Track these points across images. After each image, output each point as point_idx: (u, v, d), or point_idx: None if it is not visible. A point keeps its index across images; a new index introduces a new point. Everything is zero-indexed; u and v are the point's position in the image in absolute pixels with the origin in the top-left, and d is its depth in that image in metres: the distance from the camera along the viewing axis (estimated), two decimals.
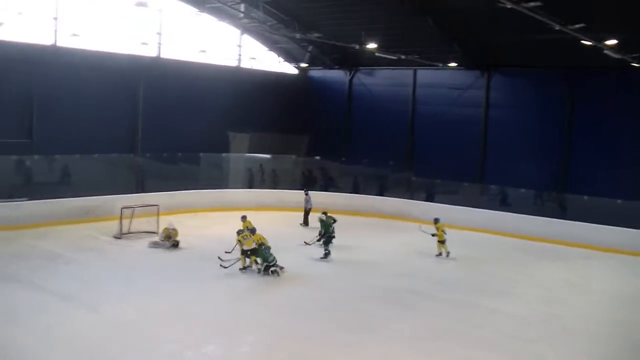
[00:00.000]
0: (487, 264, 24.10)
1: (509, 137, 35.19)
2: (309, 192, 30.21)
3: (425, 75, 38.91)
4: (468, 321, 17.38)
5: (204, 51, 36.73)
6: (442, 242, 24.38)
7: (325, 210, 24.63)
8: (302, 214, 29.58)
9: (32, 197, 26.14)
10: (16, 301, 16.74)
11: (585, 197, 28.71)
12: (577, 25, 22.66)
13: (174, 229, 23.79)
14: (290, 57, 42.90)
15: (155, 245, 23.42)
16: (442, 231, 24.44)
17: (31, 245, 22.35)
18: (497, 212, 30.05)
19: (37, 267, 19.80)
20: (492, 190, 32.61)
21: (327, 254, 23.12)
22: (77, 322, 15.70)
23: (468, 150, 36.18)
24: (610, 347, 16.22)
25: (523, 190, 30.43)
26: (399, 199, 32.53)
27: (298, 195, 30.91)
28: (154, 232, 24.76)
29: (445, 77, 38.04)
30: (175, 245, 23.53)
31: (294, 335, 15.69)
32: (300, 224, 29.31)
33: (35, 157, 28.46)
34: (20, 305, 16.39)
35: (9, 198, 25.81)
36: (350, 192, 33.96)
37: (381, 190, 34.01)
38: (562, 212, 29.46)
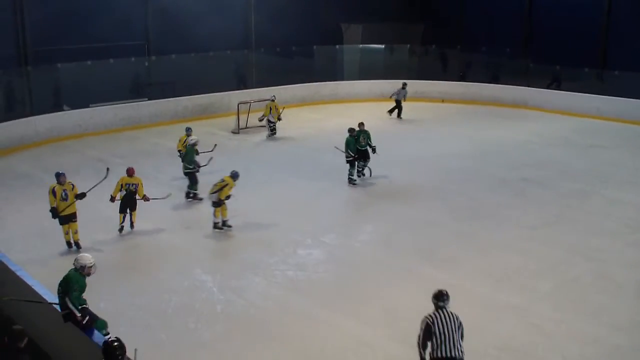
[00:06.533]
0: (611, 153, 22.80)
1: (636, 16, 32.59)
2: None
3: None
4: (586, 209, 16.89)
5: None
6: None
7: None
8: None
9: (151, 97, 26.85)
10: None
11: None
12: None
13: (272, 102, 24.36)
14: None
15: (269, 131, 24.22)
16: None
17: (154, 143, 23.06)
18: (621, 99, 27.86)
19: (161, 164, 20.39)
20: (615, 76, 30.37)
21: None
22: (203, 214, 16.24)
23: (588, 34, 33.78)
24: None
25: None
26: (516, 86, 31.12)
27: (415, 84, 30.33)
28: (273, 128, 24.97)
29: None
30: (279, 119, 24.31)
31: (409, 224, 15.77)
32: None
33: (153, 58, 28.97)
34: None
35: (129, 99, 26.62)
36: (466, 81, 32.87)
37: (497, 78, 32.67)
38: None
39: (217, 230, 15.03)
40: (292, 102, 28.84)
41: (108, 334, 8.72)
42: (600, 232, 15.24)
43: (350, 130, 18.51)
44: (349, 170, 18.57)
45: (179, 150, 18.77)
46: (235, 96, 26.97)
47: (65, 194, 13.54)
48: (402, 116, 27.77)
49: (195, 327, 10.90)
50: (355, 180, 18.63)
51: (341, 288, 12.44)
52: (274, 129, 24.48)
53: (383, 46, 34.59)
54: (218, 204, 14.92)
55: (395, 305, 11.41)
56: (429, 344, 8.09)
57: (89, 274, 9.01)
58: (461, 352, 8.00)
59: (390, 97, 28.10)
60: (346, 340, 10.47)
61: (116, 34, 27.85)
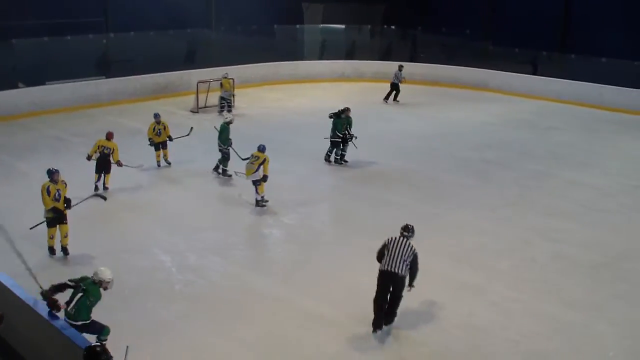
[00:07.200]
0: (568, 135, 23.14)
1: (595, 1, 32.81)
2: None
3: None
4: (544, 190, 17.22)
5: None
6: None
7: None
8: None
9: (109, 75, 26.44)
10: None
11: None
12: None
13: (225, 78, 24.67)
14: None
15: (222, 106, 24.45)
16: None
17: (113, 122, 22.66)
18: (579, 82, 28.21)
19: (122, 142, 20.00)
20: (573, 60, 30.63)
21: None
22: (163, 194, 16.10)
23: (549, 17, 33.94)
24: None
25: (604, 59, 28.43)
26: (476, 68, 31.29)
27: (375, 65, 30.27)
28: (230, 105, 24.75)
29: None
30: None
31: (370, 204, 15.87)
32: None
33: (111, 35, 28.50)
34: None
35: (87, 77, 26.13)
36: (428, 62, 32.85)
37: (458, 60, 32.67)
38: None
39: (258, 207, 15.03)
40: (253, 81, 28.69)
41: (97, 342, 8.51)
42: (557, 212, 15.48)
43: (341, 111, 18.58)
44: (329, 149, 18.72)
45: (150, 138, 18.22)
46: (194, 75, 26.63)
47: (59, 195, 12.11)
48: (398, 99, 27.39)
49: (153, 306, 10.81)
50: (331, 161, 18.82)
51: (302, 268, 12.43)
52: (224, 105, 24.52)
53: (344, 26, 34.53)
54: (259, 181, 14.90)
55: (356, 284, 11.41)
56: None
57: (105, 288, 8.75)
58: (400, 270, 9.75)
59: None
60: (307, 320, 10.47)
61: (74, 10, 27.36)
